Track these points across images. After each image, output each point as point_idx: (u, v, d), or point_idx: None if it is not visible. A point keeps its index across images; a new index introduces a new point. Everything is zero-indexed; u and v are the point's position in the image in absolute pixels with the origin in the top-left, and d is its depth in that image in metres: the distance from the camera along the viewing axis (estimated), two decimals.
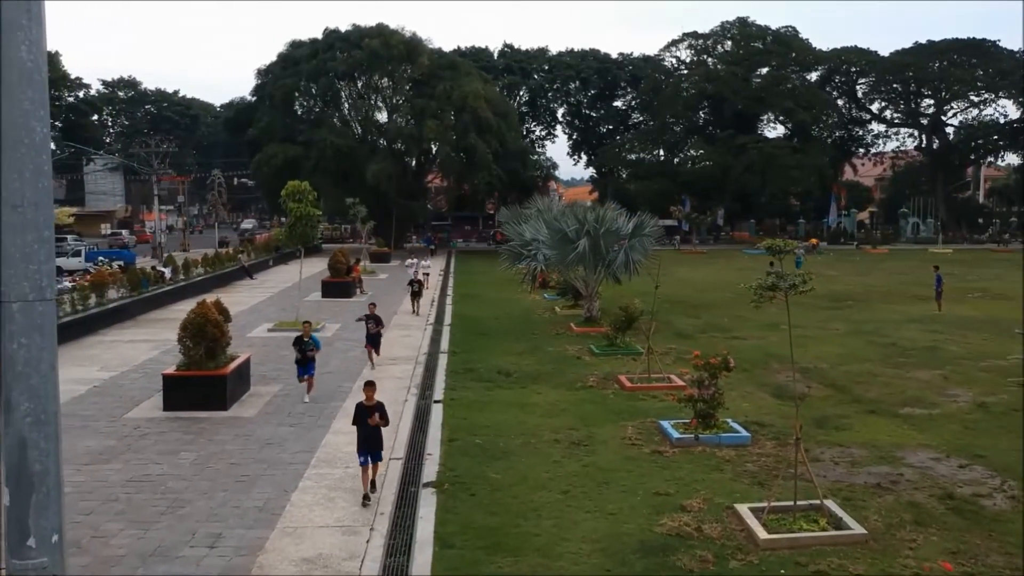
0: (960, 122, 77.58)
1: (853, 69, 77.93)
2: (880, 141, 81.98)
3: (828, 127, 78.12)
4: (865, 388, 16.39)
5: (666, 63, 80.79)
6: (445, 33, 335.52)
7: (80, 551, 8.74)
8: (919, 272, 39.94)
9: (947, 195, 76.64)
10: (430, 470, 11.40)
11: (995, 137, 75.13)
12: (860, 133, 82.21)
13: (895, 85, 77.20)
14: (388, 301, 30.13)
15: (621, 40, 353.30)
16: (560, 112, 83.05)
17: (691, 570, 8.24)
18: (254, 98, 66.44)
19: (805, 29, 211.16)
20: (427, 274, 33.47)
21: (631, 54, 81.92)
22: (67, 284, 28.24)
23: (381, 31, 60.22)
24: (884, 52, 77.82)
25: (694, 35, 78.66)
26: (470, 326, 24.82)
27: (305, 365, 15.35)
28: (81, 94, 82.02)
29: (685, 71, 79.13)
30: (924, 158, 79.61)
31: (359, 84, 63.49)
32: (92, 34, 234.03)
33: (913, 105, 78.77)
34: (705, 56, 78.58)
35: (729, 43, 77.87)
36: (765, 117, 77.14)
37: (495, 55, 79.17)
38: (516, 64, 77.97)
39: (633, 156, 77.44)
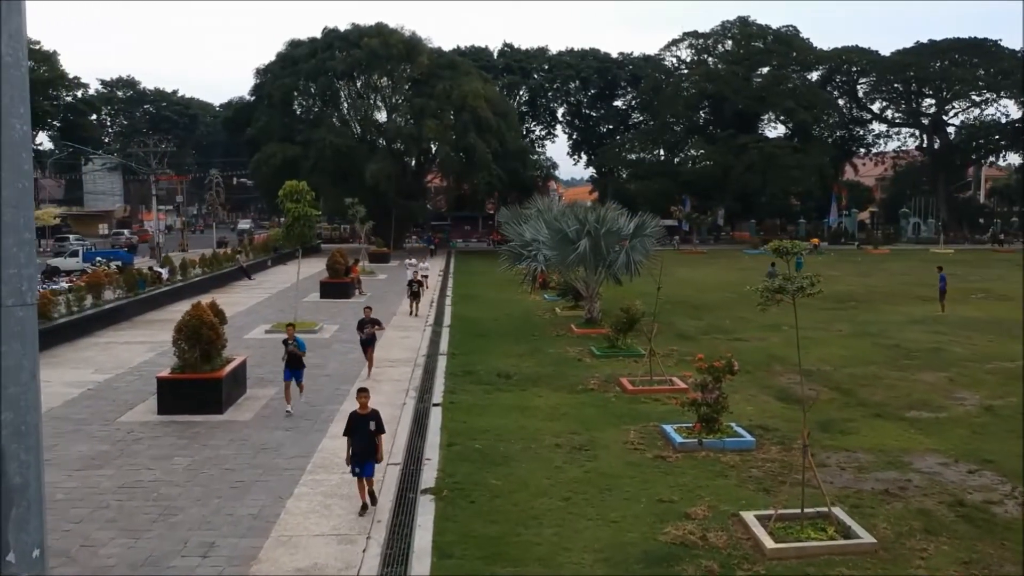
0: (961, 122, 77.60)
1: (854, 69, 77.83)
2: (881, 141, 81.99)
3: (829, 127, 78.02)
4: (870, 391, 16.16)
5: (666, 63, 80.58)
6: (445, 33, 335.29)
7: (69, 560, 8.55)
8: (921, 272, 39.79)
9: (948, 195, 76.49)
10: (429, 476, 11.18)
11: (996, 137, 75.07)
12: (861, 133, 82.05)
13: (896, 85, 77.09)
14: (387, 302, 29.92)
15: (621, 40, 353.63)
16: (560, 112, 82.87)
17: None
18: (253, 98, 66.20)
19: (806, 29, 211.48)
20: (426, 276, 33.00)
21: (631, 54, 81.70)
22: (63, 284, 28.04)
23: (380, 30, 60.03)
24: (885, 52, 77.92)
25: (694, 35, 78.45)
26: (470, 327, 24.59)
27: (294, 368, 14.72)
28: (80, 94, 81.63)
29: (685, 71, 78.89)
30: (925, 158, 79.48)
31: (358, 84, 63.27)
32: (91, 34, 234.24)
33: (914, 105, 78.64)
34: (705, 56, 78.36)
35: (730, 43, 77.67)
36: (766, 117, 76.99)
37: (495, 55, 78.92)
38: (516, 64, 77.70)
39: (633, 156, 77.24)
